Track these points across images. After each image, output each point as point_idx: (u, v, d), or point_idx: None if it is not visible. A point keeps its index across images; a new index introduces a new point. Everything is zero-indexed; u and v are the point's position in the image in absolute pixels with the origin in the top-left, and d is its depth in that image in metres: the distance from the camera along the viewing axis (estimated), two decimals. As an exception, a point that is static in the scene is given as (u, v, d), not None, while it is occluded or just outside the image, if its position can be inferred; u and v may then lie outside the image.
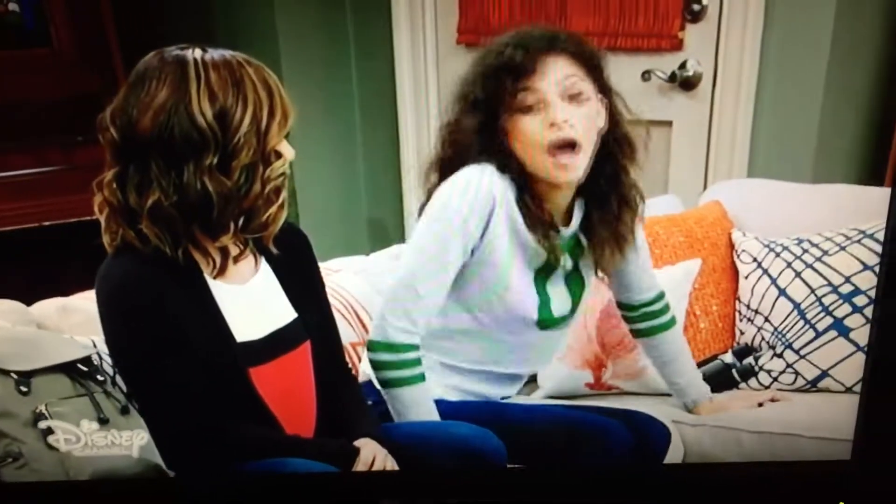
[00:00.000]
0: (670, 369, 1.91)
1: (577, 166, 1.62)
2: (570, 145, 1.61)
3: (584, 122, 1.62)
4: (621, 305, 1.91)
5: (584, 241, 1.74)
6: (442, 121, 1.70)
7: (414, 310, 1.65)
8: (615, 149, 1.69)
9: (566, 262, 1.73)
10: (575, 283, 1.77)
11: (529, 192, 1.66)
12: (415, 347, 1.67)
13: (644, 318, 1.89)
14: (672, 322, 1.90)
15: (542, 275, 1.72)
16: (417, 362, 1.67)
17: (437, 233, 1.64)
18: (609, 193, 1.71)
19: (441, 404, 1.71)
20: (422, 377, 1.67)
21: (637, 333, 1.91)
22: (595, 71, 1.65)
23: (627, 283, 1.86)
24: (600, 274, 1.81)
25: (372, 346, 1.67)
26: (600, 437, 1.65)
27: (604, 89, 1.67)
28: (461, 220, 1.62)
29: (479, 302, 1.70)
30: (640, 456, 1.68)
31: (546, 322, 1.74)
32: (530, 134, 1.61)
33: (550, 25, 1.69)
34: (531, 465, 1.64)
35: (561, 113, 1.59)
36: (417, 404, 1.66)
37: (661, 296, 1.89)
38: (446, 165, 1.68)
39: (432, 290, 1.66)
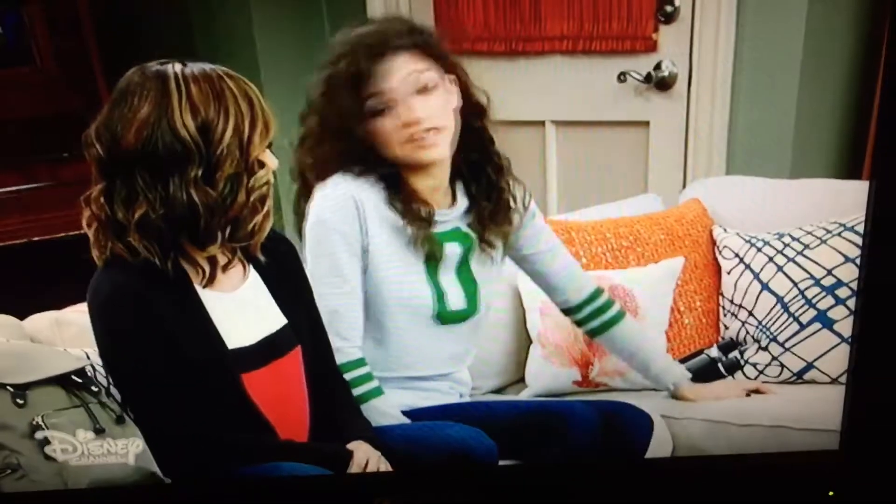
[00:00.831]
0: (638, 360, 1.92)
1: (439, 143, 1.64)
2: (429, 131, 1.63)
3: (438, 109, 1.64)
4: (566, 311, 1.91)
5: (472, 234, 1.75)
6: (300, 134, 1.70)
7: (340, 328, 1.67)
8: (475, 120, 1.71)
9: (452, 250, 1.74)
10: (466, 278, 1.77)
11: (400, 186, 1.68)
12: (360, 362, 1.69)
13: (592, 317, 1.90)
14: (621, 314, 1.91)
15: (432, 264, 1.73)
16: (369, 377, 1.69)
17: (322, 251, 1.66)
18: (484, 164, 1.73)
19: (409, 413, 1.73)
20: (379, 391, 1.69)
21: (592, 333, 1.92)
22: (436, 54, 1.66)
23: (557, 286, 1.88)
24: (493, 265, 1.81)
25: None
26: (563, 418, 1.66)
27: (448, 67, 1.68)
28: (335, 229, 1.64)
29: (378, 305, 1.71)
30: (621, 443, 1.69)
31: (444, 316, 1.75)
32: (388, 134, 1.64)
33: (379, 24, 1.67)
34: (505, 459, 1.64)
35: (411, 112, 1.62)
36: (382, 415, 1.68)
37: (599, 291, 1.90)
38: (309, 177, 1.69)
39: (345, 303, 1.68)
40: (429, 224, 1.69)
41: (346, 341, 1.68)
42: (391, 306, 1.71)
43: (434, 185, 1.71)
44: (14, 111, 2.39)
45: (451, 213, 1.73)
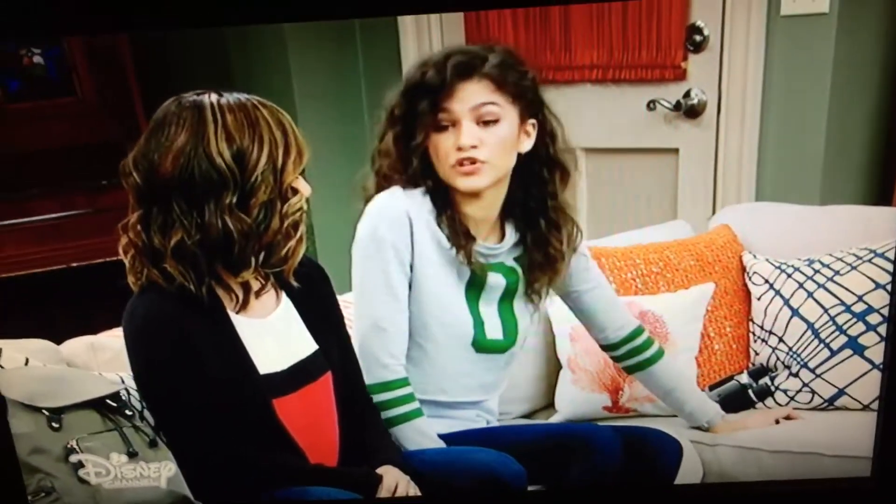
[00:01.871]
0: (673, 398, 1.91)
1: (481, 174, 1.66)
2: (472, 161, 1.65)
3: (493, 145, 1.65)
4: (605, 347, 1.91)
5: (518, 269, 1.77)
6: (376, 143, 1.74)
7: (389, 344, 1.68)
8: (543, 171, 1.73)
9: (496, 281, 1.75)
10: (507, 310, 1.78)
11: (450, 207, 1.70)
12: (406, 381, 1.69)
13: (630, 355, 1.89)
14: (660, 353, 1.90)
15: (473, 292, 1.74)
16: (412, 397, 1.69)
17: (373, 265, 1.67)
18: (538, 216, 1.74)
19: None
20: (420, 411, 1.69)
21: (629, 370, 1.91)
22: (522, 96, 1.68)
23: (599, 324, 1.88)
24: (535, 308, 1.82)
25: (369, 391, 1.69)
26: (585, 441, 1.66)
27: (533, 112, 1.70)
28: (388, 243, 1.66)
29: (418, 325, 1.72)
30: (650, 469, 1.69)
31: (481, 344, 1.75)
32: (443, 152, 1.66)
33: (483, 47, 1.69)
34: (531, 482, 1.64)
35: (468, 138, 1.63)
36: (423, 436, 1.68)
37: (639, 330, 1.89)
38: (381, 187, 1.71)
39: (394, 320, 1.69)
40: (472, 241, 1.71)
41: (394, 359, 1.69)
42: (431, 328, 1.72)
43: (482, 215, 1.72)
44: (54, 140, 2.44)
45: (498, 248, 1.74)
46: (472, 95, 1.64)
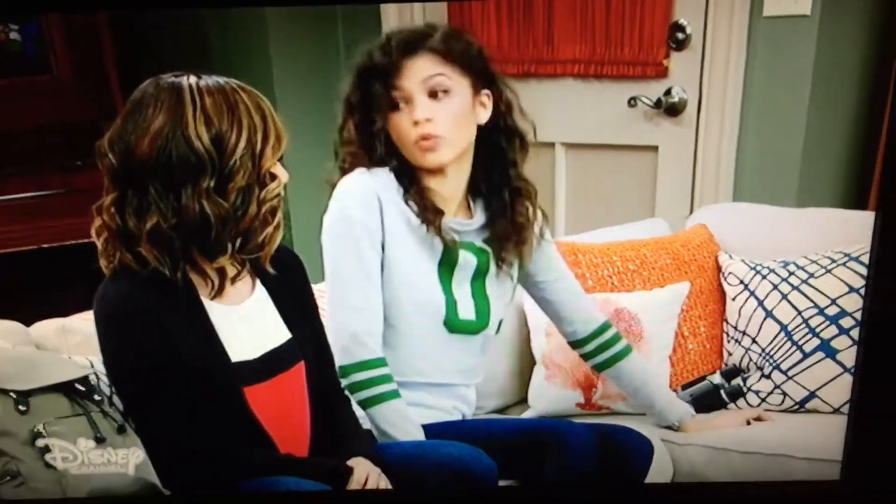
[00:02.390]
0: (642, 395, 1.92)
1: (440, 148, 1.68)
2: (428, 137, 1.67)
3: (449, 117, 1.67)
4: (573, 344, 1.92)
5: (488, 249, 1.78)
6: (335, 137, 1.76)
7: (366, 323, 1.69)
8: (502, 141, 1.75)
9: (467, 260, 1.75)
10: (479, 291, 1.79)
11: (416, 184, 1.71)
12: (383, 362, 1.69)
13: (599, 351, 1.90)
14: (628, 349, 1.91)
15: (445, 271, 1.75)
16: (390, 378, 1.69)
17: (346, 246, 1.68)
18: (501, 187, 1.76)
19: None
20: (397, 393, 1.69)
21: (599, 367, 1.92)
22: (470, 67, 1.70)
23: (567, 316, 1.89)
24: (510, 285, 1.83)
25: (344, 371, 1.68)
26: (560, 438, 1.66)
27: (487, 82, 1.72)
28: (359, 223, 1.67)
29: (391, 306, 1.72)
30: (621, 467, 1.69)
31: (453, 324, 1.76)
32: (401, 129, 1.68)
33: (426, 25, 1.73)
34: (503, 477, 1.64)
35: (422, 111, 1.66)
36: (400, 417, 1.68)
37: (607, 325, 1.90)
38: (354, 166, 1.73)
39: (369, 299, 1.69)
40: (440, 215, 1.72)
41: (372, 338, 1.69)
42: (404, 308, 1.72)
43: (449, 192, 1.73)
44: (29, 119, 2.41)
45: (468, 225, 1.75)
46: (420, 69, 1.67)
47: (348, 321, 1.68)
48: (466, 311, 1.77)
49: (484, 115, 1.72)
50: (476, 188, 1.77)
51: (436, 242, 1.72)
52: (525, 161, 1.77)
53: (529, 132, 1.76)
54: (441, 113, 1.67)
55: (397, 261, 1.70)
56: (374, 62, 1.67)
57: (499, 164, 1.75)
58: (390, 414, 1.67)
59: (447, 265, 1.74)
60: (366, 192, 1.68)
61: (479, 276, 1.78)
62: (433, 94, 1.67)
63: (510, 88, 1.75)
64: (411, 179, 1.71)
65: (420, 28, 1.70)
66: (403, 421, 1.68)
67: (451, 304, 1.75)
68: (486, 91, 1.72)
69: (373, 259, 1.69)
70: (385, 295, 1.71)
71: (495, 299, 1.80)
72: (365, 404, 1.68)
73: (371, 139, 1.69)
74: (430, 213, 1.71)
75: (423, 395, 1.78)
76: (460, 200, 1.76)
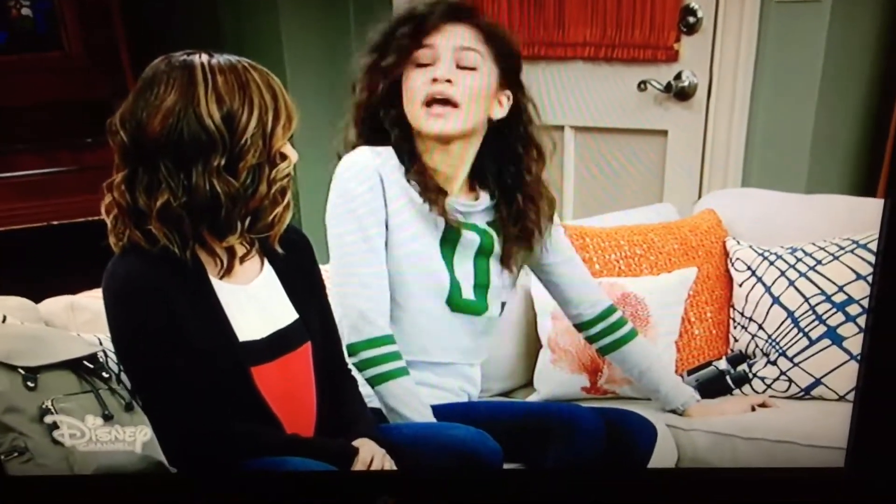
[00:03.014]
0: (647, 379, 1.92)
1: (447, 117, 1.68)
2: (444, 101, 1.67)
3: (467, 88, 1.67)
4: (579, 327, 1.92)
5: (491, 232, 1.78)
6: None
7: (374, 300, 1.69)
8: (518, 147, 1.75)
9: (471, 238, 1.76)
10: (482, 269, 1.79)
11: (417, 161, 1.71)
12: (392, 339, 1.70)
13: (604, 334, 1.90)
14: (634, 332, 1.92)
15: (448, 248, 1.75)
16: (398, 355, 1.70)
17: (350, 222, 1.68)
18: (514, 190, 1.76)
19: None
20: (406, 370, 1.70)
21: (603, 350, 1.93)
22: (504, 60, 1.71)
23: (573, 299, 1.89)
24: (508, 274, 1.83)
25: (353, 349, 1.69)
26: (568, 422, 1.66)
27: (510, 83, 1.73)
28: (362, 199, 1.67)
29: (395, 283, 1.72)
30: (624, 450, 1.69)
31: (456, 303, 1.76)
32: (416, 86, 1.68)
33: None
34: (509, 460, 1.64)
35: (445, 71, 1.66)
36: (409, 394, 1.68)
37: (612, 308, 1.91)
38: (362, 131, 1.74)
39: (374, 272, 1.70)
40: (444, 195, 1.72)
41: (381, 315, 1.70)
42: (409, 285, 1.73)
43: (450, 171, 1.74)
44: (40, 95, 2.41)
45: (472, 206, 1.76)
46: (458, 36, 1.67)
47: (356, 298, 1.68)
48: (469, 290, 1.78)
49: (499, 112, 1.73)
50: (482, 177, 1.77)
51: (439, 221, 1.72)
52: (542, 171, 1.77)
53: (547, 143, 1.77)
54: (462, 80, 1.67)
55: (401, 238, 1.71)
56: (417, 13, 1.67)
57: (513, 168, 1.76)
58: (399, 391, 1.68)
59: (449, 243, 1.75)
60: (368, 169, 1.68)
61: (483, 255, 1.78)
62: (460, 66, 1.67)
63: (532, 100, 1.76)
64: (412, 155, 1.71)
65: (471, 4, 1.72)
66: (412, 398, 1.68)
67: (455, 283, 1.75)
68: (507, 92, 1.72)
69: (377, 236, 1.69)
70: (389, 273, 1.71)
71: (496, 280, 1.80)
72: (374, 381, 1.69)
73: (380, 82, 1.70)
74: (432, 193, 1.70)
75: (429, 374, 1.79)
76: (463, 181, 1.76)
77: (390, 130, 1.71)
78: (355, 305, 1.68)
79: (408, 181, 1.70)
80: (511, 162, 1.75)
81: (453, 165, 1.73)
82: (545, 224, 1.80)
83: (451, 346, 1.80)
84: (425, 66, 1.68)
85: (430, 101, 1.67)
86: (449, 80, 1.66)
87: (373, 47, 1.71)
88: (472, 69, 1.67)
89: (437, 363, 1.80)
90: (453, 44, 1.66)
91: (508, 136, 1.74)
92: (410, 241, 1.71)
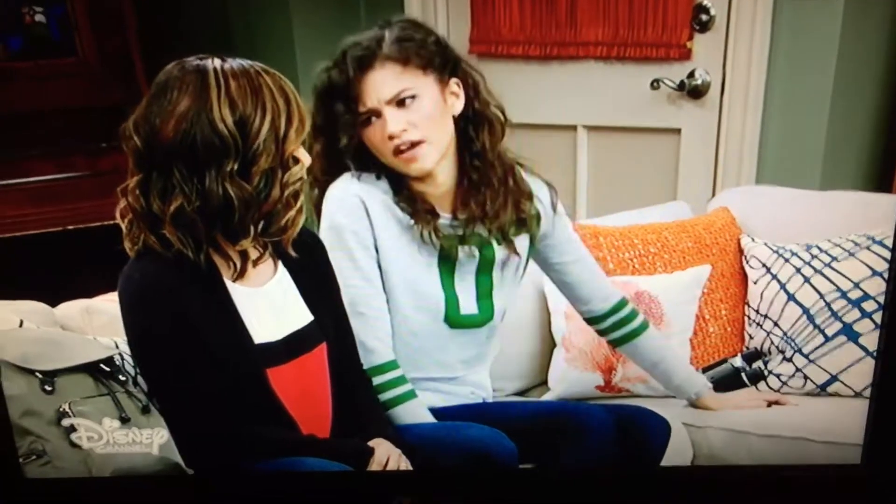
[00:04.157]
0: (660, 371, 1.92)
1: (422, 156, 1.65)
2: (412, 146, 1.64)
3: (422, 120, 1.63)
4: (590, 321, 1.91)
5: (494, 243, 1.75)
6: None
7: (371, 328, 1.68)
8: (469, 129, 1.70)
9: (469, 254, 1.73)
10: (484, 283, 1.77)
11: (405, 187, 1.69)
12: (395, 364, 1.69)
13: (616, 327, 1.89)
14: (645, 325, 1.91)
15: (446, 268, 1.73)
16: (404, 379, 1.69)
17: (339, 254, 1.66)
18: (477, 172, 1.71)
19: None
20: (413, 393, 1.69)
21: (616, 343, 1.92)
22: (430, 62, 1.65)
23: (584, 296, 1.88)
24: (518, 273, 1.81)
25: None
26: (580, 421, 1.65)
27: (451, 71, 1.68)
28: (347, 230, 1.66)
29: (390, 306, 1.71)
30: (637, 448, 1.69)
31: (454, 320, 1.75)
32: (377, 143, 1.65)
33: (380, 24, 1.68)
34: (523, 460, 1.64)
35: (394, 125, 1.62)
36: (419, 417, 1.68)
37: (623, 301, 1.90)
38: (323, 182, 1.70)
39: (371, 304, 1.69)
40: (436, 218, 1.70)
41: (380, 342, 1.69)
42: (403, 308, 1.72)
43: (439, 192, 1.71)
44: (55, 101, 2.43)
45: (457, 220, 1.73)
46: (381, 85, 1.62)
47: (355, 328, 1.67)
48: (469, 306, 1.76)
49: (458, 105, 1.69)
50: (467, 179, 1.72)
51: (435, 241, 1.70)
52: (497, 145, 1.72)
53: (498, 114, 1.71)
54: (414, 119, 1.63)
55: (392, 262, 1.69)
56: (332, 83, 1.64)
57: (475, 148, 1.70)
58: (407, 415, 1.68)
59: (447, 261, 1.73)
60: (350, 197, 1.66)
61: (485, 267, 1.76)
62: (401, 103, 1.62)
63: (476, 71, 1.71)
64: (399, 183, 1.69)
65: (371, 35, 1.64)
66: (422, 421, 1.68)
67: (452, 300, 1.74)
68: (454, 80, 1.68)
69: (369, 263, 1.68)
70: (386, 296, 1.71)
71: (500, 291, 1.79)
72: (383, 407, 1.68)
73: (343, 160, 1.67)
74: (424, 216, 1.69)
75: (436, 385, 1.79)
76: (454, 196, 1.73)
77: (373, 170, 1.68)
78: (355, 335, 1.67)
79: (397, 204, 1.68)
80: (472, 144, 1.70)
81: (440, 184, 1.71)
82: (502, 204, 1.73)
83: (454, 361, 1.80)
84: (370, 120, 1.64)
85: (397, 151, 1.64)
86: (404, 130, 1.62)
87: (318, 131, 1.66)
88: (413, 98, 1.63)
89: (443, 378, 1.80)
90: (380, 93, 1.62)
91: (465, 121, 1.70)
92: (403, 264, 1.70)
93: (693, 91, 2.47)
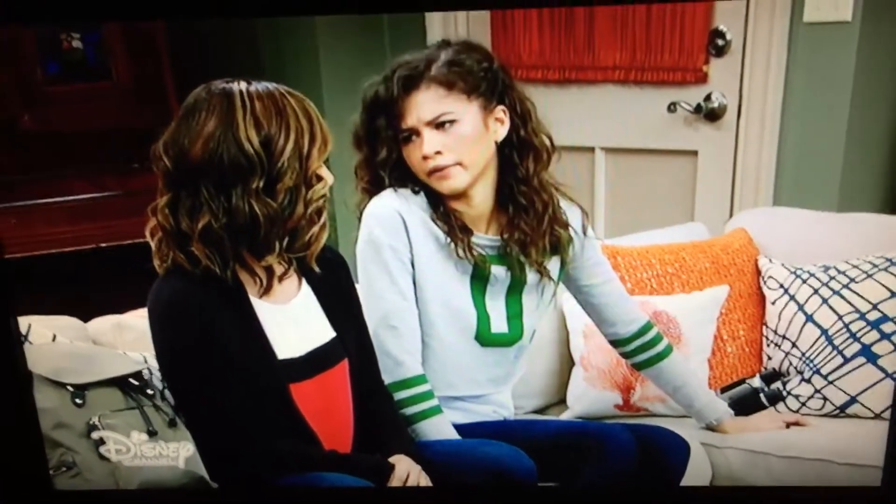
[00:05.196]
0: (682, 394, 1.92)
1: (454, 177, 1.67)
2: (445, 167, 1.66)
3: (459, 144, 1.65)
4: (614, 343, 1.91)
5: (517, 255, 1.74)
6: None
7: (402, 341, 1.70)
8: (514, 156, 1.71)
9: (501, 274, 1.75)
10: (514, 303, 1.78)
11: (442, 204, 1.71)
12: (423, 379, 1.70)
13: (640, 351, 1.89)
14: (669, 349, 1.91)
15: (478, 286, 1.75)
16: (430, 394, 1.70)
17: (376, 268, 1.68)
18: (522, 197, 1.72)
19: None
20: (439, 409, 1.70)
21: (639, 366, 1.92)
22: (477, 88, 1.66)
23: (610, 319, 1.88)
24: (546, 297, 1.82)
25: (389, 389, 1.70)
26: (601, 441, 1.66)
27: (498, 98, 1.69)
28: (385, 245, 1.67)
29: (423, 321, 1.72)
30: (657, 468, 1.69)
31: (485, 338, 1.76)
32: (414, 161, 1.68)
33: (438, 44, 1.71)
34: (542, 478, 1.63)
35: (429, 146, 1.64)
36: (441, 434, 1.69)
37: (649, 325, 1.90)
38: (371, 191, 1.73)
39: (404, 318, 1.70)
40: (469, 234, 1.71)
41: (410, 355, 1.70)
42: (436, 325, 1.73)
43: (475, 212, 1.73)
44: (89, 123, 2.48)
45: (498, 240, 1.74)
46: (423, 106, 1.65)
47: (385, 340, 1.69)
48: (499, 324, 1.77)
49: (502, 131, 1.70)
50: (504, 202, 1.74)
51: (467, 257, 1.71)
52: (542, 172, 1.73)
53: (546, 144, 1.73)
54: (450, 143, 1.65)
55: (427, 278, 1.71)
56: (378, 99, 1.67)
57: (520, 174, 1.72)
58: (432, 430, 1.69)
59: (479, 280, 1.74)
60: (389, 212, 1.68)
61: (516, 288, 1.77)
62: (440, 126, 1.65)
63: (528, 100, 1.72)
64: (436, 199, 1.71)
65: (424, 55, 1.67)
66: (442, 437, 1.69)
67: (483, 318, 1.75)
68: (501, 107, 1.69)
69: (405, 278, 1.69)
70: (419, 311, 1.72)
71: (531, 311, 1.80)
72: (407, 421, 1.69)
73: (379, 171, 1.70)
74: (457, 233, 1.70)
75: (461, 404, 1.80)
76: (490, 216, 1.75)
77: (412, 185, 1.71)
78: (385, 347, 1.69)
79: (434, 221, 1.70)
80: (516, 169, 1.72)
81: (476, 205, 1.72)
82: (542, 232, 1.74)
83: (482, 379, 1.81)
84: (410, 138, 1.67)
85: (431, 172, 1.67)
86: (438, 152, 1.65)
87: (359, 141, 1.71)
88: (453, 122, 1.65)
89: (469, 396, 1.81)
90: (422, 116, 1.65)
91: (506, 146, 1.71)
92: (438, 281, 1.71)
93: (710, 114, 2.49)
